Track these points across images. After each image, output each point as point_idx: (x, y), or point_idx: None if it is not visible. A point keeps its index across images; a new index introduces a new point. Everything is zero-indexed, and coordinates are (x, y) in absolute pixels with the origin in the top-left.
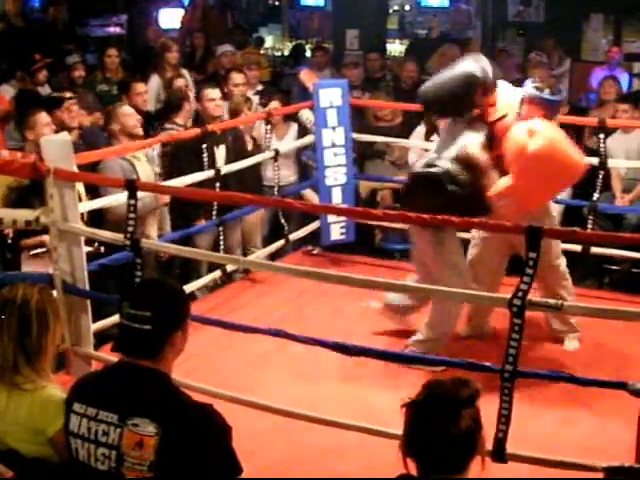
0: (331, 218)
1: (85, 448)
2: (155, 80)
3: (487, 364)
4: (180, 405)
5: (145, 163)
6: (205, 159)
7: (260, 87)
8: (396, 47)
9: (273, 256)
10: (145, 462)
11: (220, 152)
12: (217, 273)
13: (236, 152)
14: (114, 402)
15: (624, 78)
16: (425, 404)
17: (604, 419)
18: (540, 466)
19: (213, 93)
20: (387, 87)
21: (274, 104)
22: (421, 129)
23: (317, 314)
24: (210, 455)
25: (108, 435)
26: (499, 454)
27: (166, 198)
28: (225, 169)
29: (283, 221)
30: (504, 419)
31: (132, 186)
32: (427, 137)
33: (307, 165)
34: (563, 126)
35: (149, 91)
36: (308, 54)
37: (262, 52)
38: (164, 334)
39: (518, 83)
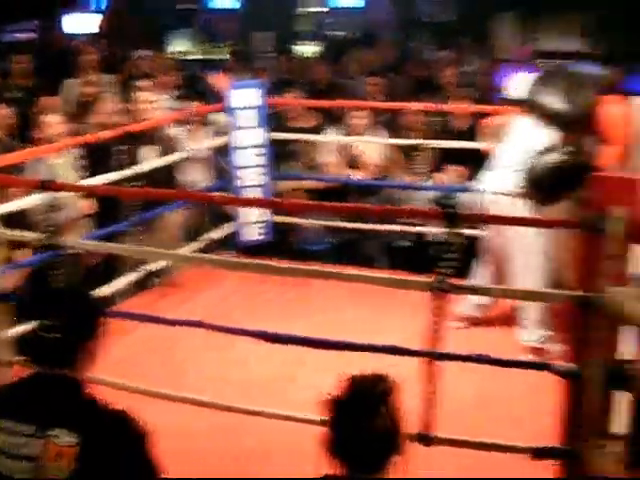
0: (249, 218)
1: (3, 462)
2: (70, 84)
3: (412, 348)
4: (98, 413)
5: (66, 165)
6: (124, 161)
7: (177, 92)
8: (311, 49)
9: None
10: (65, 473)
11: (144, 154)
12: (134, 275)
13: (165, 154)
14: (31, 414)
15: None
16: (344, 402)
17: (530, 400)
18: (467, 448)
19: (140, 96)
20: (300, 89)
21: (192, 106)
22: (331, 131)
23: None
24: (129, 462)
25: (28, 447)
26: (425, 438)
27: (88, 208)
28: (136, 169)
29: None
30: (430, 403)
31: (48, 187)
32: None
33: (223, 169)
34: None
35: (68, 96)
36: (219, 57)
37: (174, 56)
38: (77, 343)
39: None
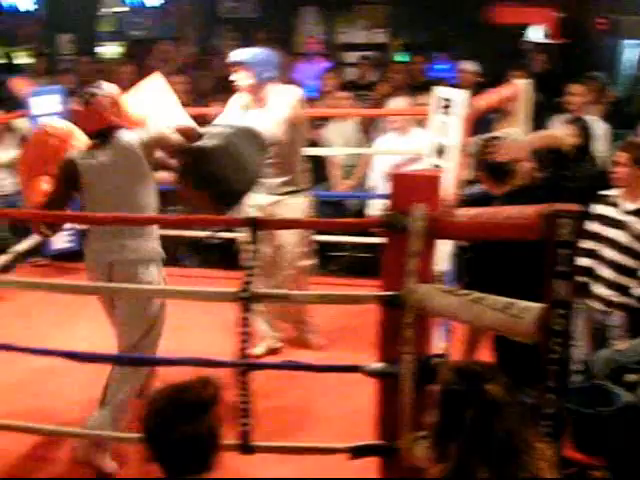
0: None
1: None
2: None
3: (222, 359)
4: None
5: None
6: None
7: None
8: (113, 49)
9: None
10: None
11: None
12: None
13: None
14: None
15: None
16: (167, 405)
17: (348, 402)
18: (289, 454)
19: None
20: None
21: None
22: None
23: (47, 325)
24: None
25: None
26: (246, 447)
27: None
28: None
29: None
30: (245, 412)
31: None
32: None
33: None
34: None
35: None
36: (20, 61)
37: None
38: None
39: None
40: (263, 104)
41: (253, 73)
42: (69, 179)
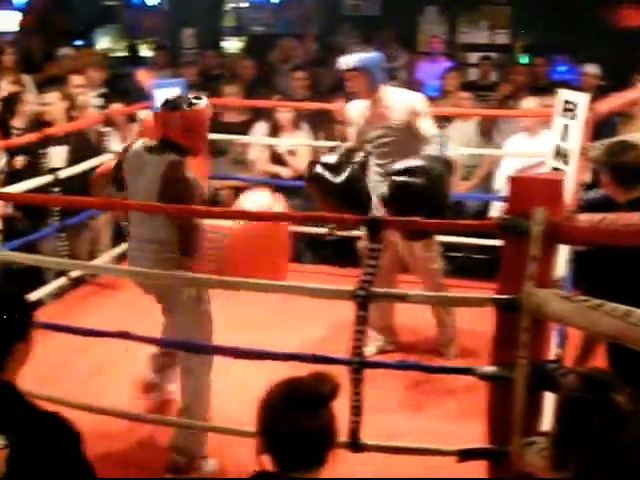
0: None
1: None
2: None
3: (335, 357)
4: (28, 415)
5: None
6: (44, 163)
7: (103, 89)
8: (233, 44)
9: (120, 258)
10: None
11: (59, 154)
12: (63, 279)
13: (81, 154)
14: None
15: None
16: (286, 401)
17: (457, 404)
18: (396, 454)
19: (47, 97)
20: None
21: (115, 106)
22: (260, 125)
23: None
24: (62, 463)
25: None
26: (354, 445)
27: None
28: (66, 172)
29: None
30: (356, 410)
31: None
32: None
33: None
34: None
35: None
36: (144, 54)
37: (97, 53)
38: (4, 345)
39: None
40: (382, 106)
41: (366, 77)
42: (118, 165)
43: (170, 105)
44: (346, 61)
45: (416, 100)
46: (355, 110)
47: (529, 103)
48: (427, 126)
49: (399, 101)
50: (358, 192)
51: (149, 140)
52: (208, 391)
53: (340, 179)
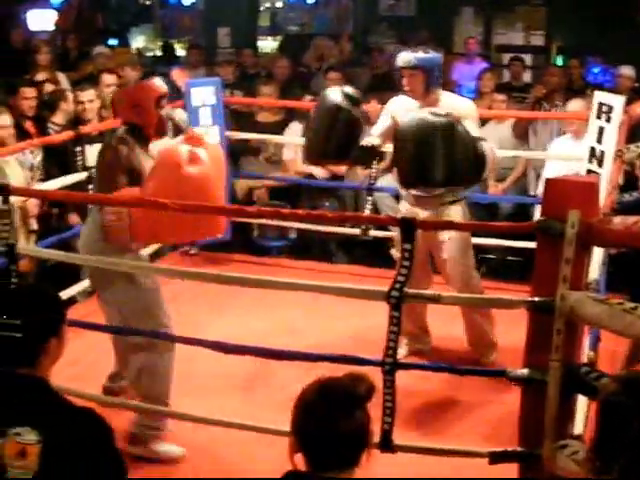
0: None
1: None
2: None
3: (367, 357)
4: (61, 410)
5: (16, 167)
6: (79, 161)
7: None
8: (268, 44)
9: (151, 257)
10: (29, 471)
11: (93, 152)
12: None
13: None
14: None
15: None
16: (321, 401)
17: (489, 406)
18: (428, 455)
19: (83, 95)
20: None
21: None
22: (295, 125)
23: (196, 314)
24: (95, 459)
25: None
26: (386, 445)
27: (34, 210)
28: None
29: None
30: (389, 411)
31: (4, 190)
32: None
33: None
34: None
35: None
36: (179, 53)
37: (132, 52)
38: (37, 341)
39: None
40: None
41: (424, 77)
42: None
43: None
44: (406, 58)
45: (466, 106)
46: (398, 106)
47: (575, 105)
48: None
49: (449, 105)
50: None
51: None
52: (165, 372)
53: None
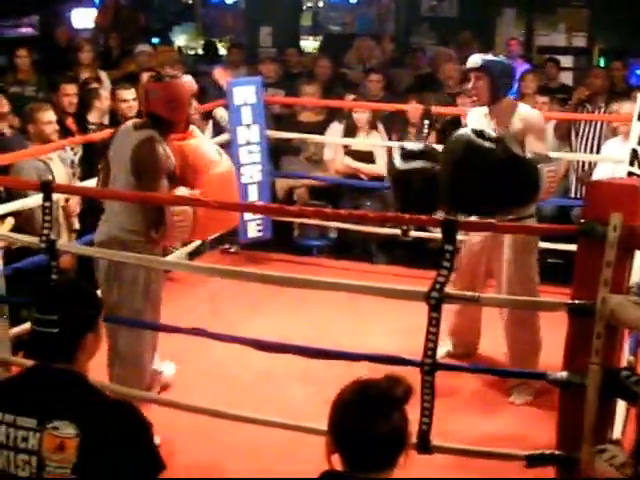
0: (247, 216)
1: (4, 455)
2: None
3: (407, 357)
4: (99, 404)
5: (59, 164)
6: None
7: None
8: (309, 43)
9: (191, 255)
10: (67, 465)
11: None
12: None
13: None
14: (31, 407)
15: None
16: (359, 402)
17: (527, 409)
18: (465, 457)
19: (125, 94)
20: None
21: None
22: (336, 125)
23: (234, 313)
24: (132, 453)
25: (27, 441)
26: (424, 446)
27: (76, 209)
28: None
29: None
30: (427, 412)
31: (47, 188)
32: None
33: None
34: None
35: None
36: (221, 52)
37: (175, 50)
38: (74, 337)
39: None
40: (503, 120)
41: (489, 81)
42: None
43: (155, 78)
44: (472, 59)
45: (537, 119)
46: (474, 119)
47: (626, 107)
48: (537, 147)
49: (523, 116)
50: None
51: (139, 119)
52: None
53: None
